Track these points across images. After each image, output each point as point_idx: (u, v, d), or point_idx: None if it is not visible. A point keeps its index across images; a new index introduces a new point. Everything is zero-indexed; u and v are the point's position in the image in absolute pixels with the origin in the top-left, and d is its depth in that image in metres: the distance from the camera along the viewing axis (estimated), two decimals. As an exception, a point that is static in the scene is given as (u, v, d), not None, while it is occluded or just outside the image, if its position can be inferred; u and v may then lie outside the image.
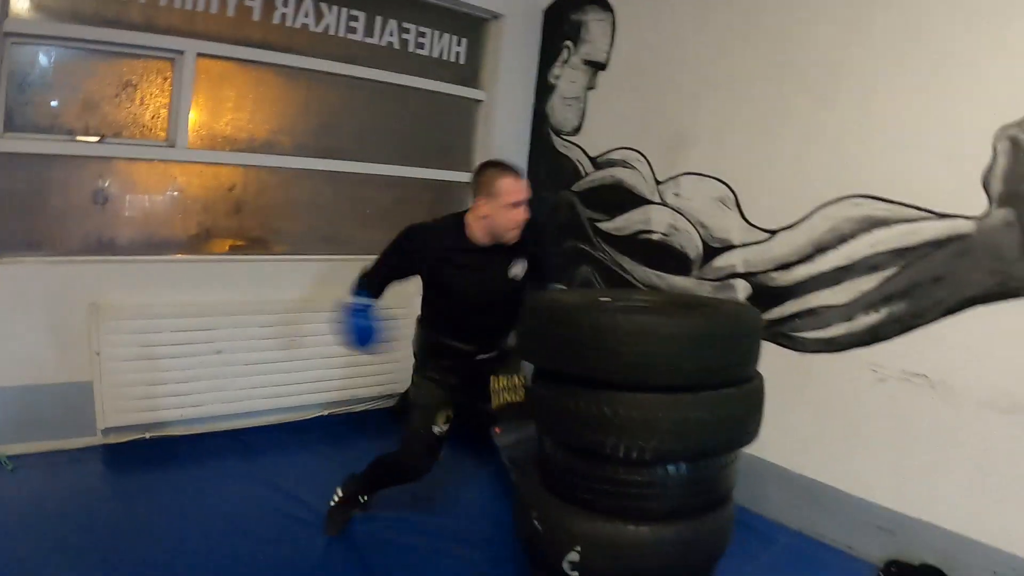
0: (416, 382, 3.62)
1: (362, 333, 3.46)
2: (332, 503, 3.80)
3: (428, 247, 3.45)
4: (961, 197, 3.62)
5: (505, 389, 3.66)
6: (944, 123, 3.72)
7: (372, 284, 3.51)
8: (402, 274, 3.57)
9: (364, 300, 3.46)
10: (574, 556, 2.42)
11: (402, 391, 3.67)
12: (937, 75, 3.74)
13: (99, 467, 4.26)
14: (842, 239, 4.07)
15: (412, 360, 3.72)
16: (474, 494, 4.49)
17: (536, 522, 2.59)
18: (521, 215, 3.39)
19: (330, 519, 3.78)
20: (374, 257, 3.55)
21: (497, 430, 3.70)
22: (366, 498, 3.82)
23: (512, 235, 3.42)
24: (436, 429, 3.51)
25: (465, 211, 3.52)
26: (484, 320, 3.55)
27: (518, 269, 3.57)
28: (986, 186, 3.55)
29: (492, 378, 3.64)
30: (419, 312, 3.66)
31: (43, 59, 4.09)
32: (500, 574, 3.60)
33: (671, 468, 2.42)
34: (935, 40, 3.75)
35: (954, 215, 3.65)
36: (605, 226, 5.45)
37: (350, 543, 3.74)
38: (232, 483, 4.23)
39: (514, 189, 3.35)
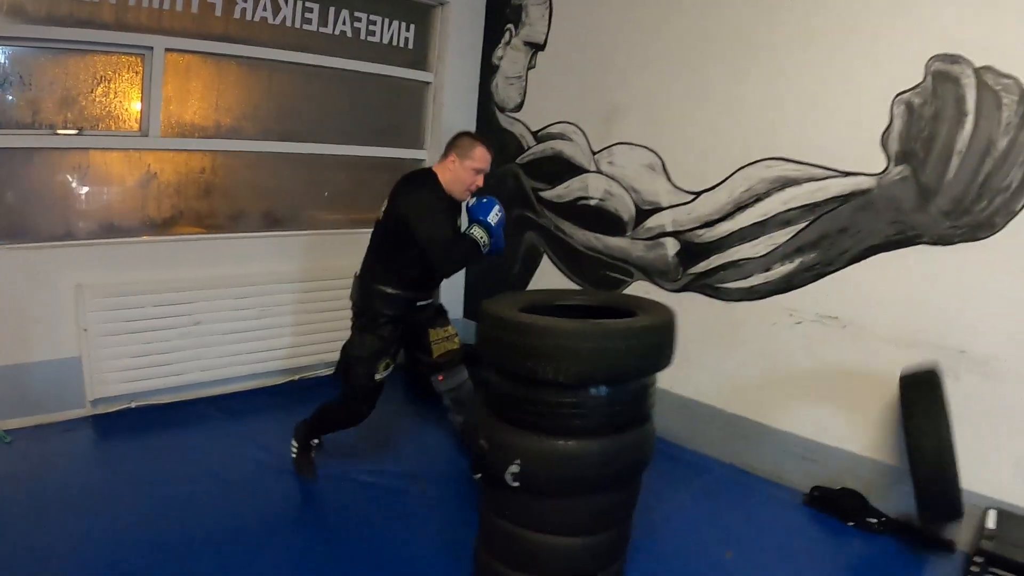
0: (360, 336, 3.79)
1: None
2: (292, 455, 4.07)
3: (449, 199, 3.74)
4: (863, 157, 3.89)
5: (442, 339, 3.97)
6: (847, 91, 3.96)
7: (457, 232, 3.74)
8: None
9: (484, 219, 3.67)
10: (515, 468, 2.67)
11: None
12: (840, 48, 3.98)
13: (91, 435, 4.37)
14: (758, 198, 4.31)
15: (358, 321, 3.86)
16: (426, 438, 4.72)
17: (483, 441, 2.88)
18: (479, 182, 3.74)
19: (298, 467, 4.04)
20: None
21: (440, 377, 3.98)
22: (317, 441, 4.10)
23: (463, 195, 3.76)
24: (377, 376, 3.75)
25: (425, 171, 3.80)
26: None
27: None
28: (884, 146, 3.82)
29: (429, 331, 3.93)
30: (370, 272, 3.81)
31: (21, 59, 4.17)
32: (456, 504, 3.87)
33: (592, 390, 2.74)
34: (838, 16, 3.98)
35: (857, 173, 3.92)
36: (547, 194, 5.64)
37: (320, 484, 3.99)
38: (213, 442, 4.39)
39: (484, 158, 3.72)
